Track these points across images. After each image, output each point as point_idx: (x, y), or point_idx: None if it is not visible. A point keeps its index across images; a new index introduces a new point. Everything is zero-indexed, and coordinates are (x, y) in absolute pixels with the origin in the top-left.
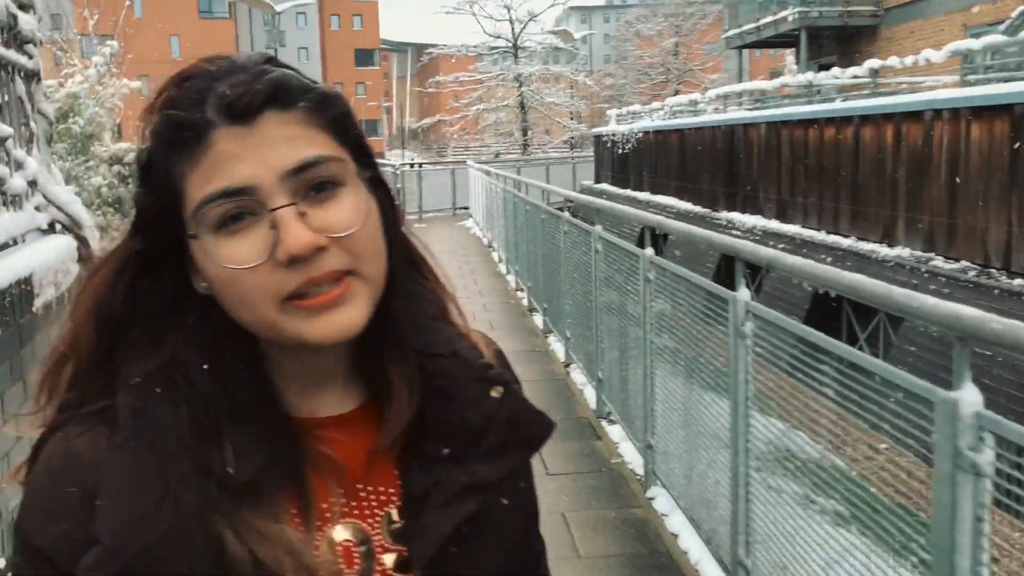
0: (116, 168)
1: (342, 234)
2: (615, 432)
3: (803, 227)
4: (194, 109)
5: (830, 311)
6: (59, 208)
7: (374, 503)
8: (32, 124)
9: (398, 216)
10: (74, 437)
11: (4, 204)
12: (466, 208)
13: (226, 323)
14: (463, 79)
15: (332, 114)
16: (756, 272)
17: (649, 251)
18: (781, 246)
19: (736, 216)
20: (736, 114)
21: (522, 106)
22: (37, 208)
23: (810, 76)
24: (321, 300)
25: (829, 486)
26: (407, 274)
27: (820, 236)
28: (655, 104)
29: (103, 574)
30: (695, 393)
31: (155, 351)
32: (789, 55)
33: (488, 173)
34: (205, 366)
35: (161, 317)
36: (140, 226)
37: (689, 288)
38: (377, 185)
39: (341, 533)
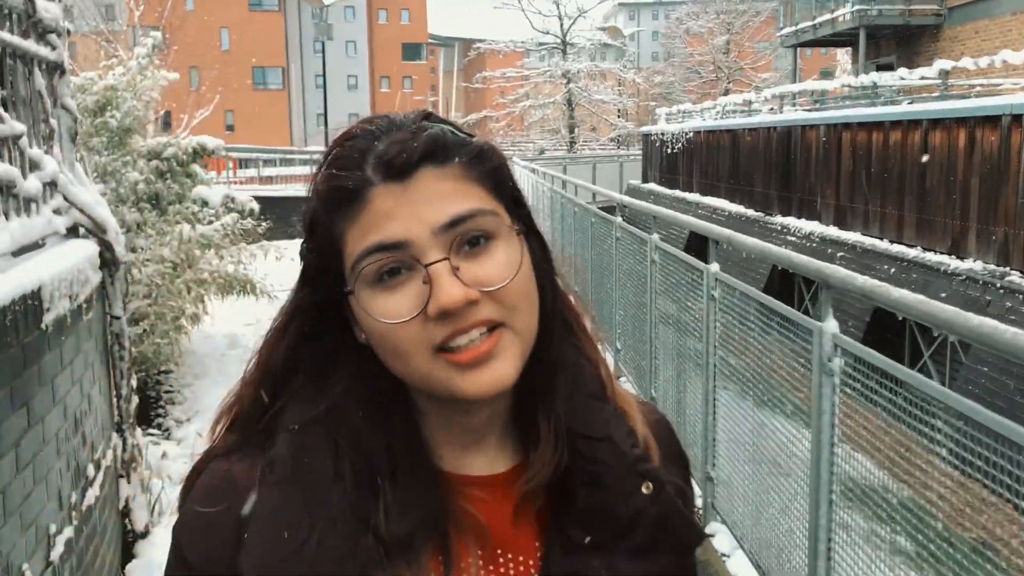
0: (154, 163)
1: (494, 287)
2: None
3: (864, 235)
4: (354, 169)
5: (893, 326)
6: (81, 210)
7: (511, 572)
8: (52, 121)
9: (553, 267)
10: (235, 463)
11: (17, 209)
12: None
13: (384, 376)
14: (510, 75)
15: (487, 168)
16: (811, 284)
17: (715, 267)
18: (840, 254)
19: (791, 221)
20: (793, 115)
21: (569, 103)
22: (57, 211)
23: (875, 77)
24: (472, 354)
25: (936, 558)
26: (561, 331)
27: (883, 245)
28: (706, 103)
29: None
30: (767, 426)
31: (315, 400)
32: (842, 54)
33: (534, 171)
34: (363, 416)
35: (323, 368)
36: (304, 281)
37: (761, 311)
38: (531, 236)
39: None
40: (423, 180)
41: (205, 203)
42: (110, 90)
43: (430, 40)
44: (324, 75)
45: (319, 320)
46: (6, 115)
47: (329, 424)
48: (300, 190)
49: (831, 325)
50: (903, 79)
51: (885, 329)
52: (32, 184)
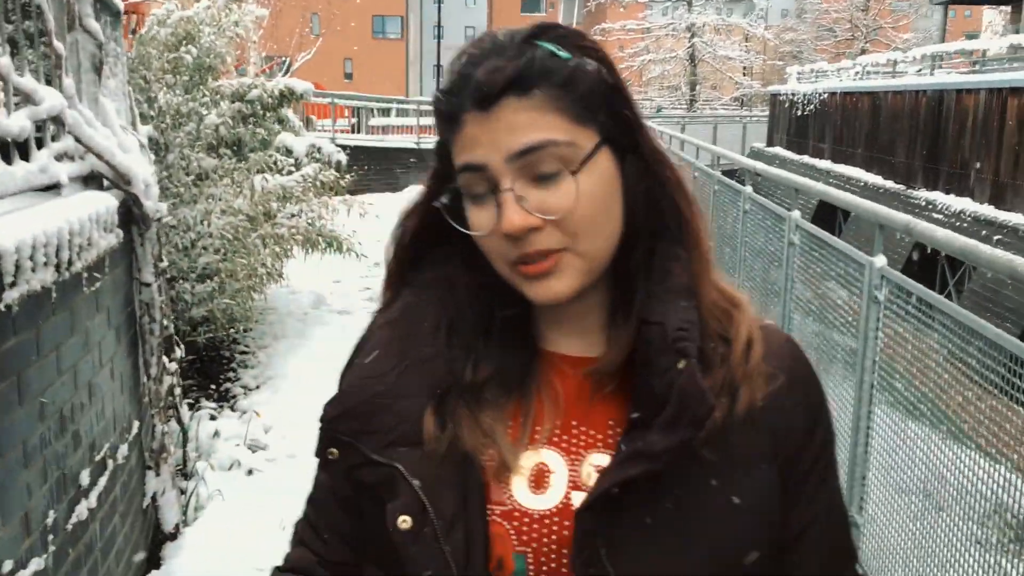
0: (237, 105)
1: (555, 216)
2: None
3: None
4: (455, 93)
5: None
6: (100, 156)
7: (580, 443)
8: (58, 44)
9: (664, 181)
10: (374, 316)
11: None
12: None
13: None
14: (631, 27)
15: (577, 93)
16: (956, 265)
17: (881, 260)
18: (998, 238)
19: (938, 197)
20: (947, 78)
21: (692, 59)
22: (62, 157)
23: None
24: (533, 269)
25: None
26: (652, 238)
27: None
28: (844, 63)
29: (332, 412)
30: (947, 461)
31: (433, 269)
32: (993, 15)
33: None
34: (471, 286)
35: (442, 244)
36: (432, 174)
37: (952, 327)
38: (630, 155)
39: (543, 456)
40: (504, 110)
41: (289, 151)
42: (187, 22)
43: None
44: (439, 24)
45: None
46: None
47: (441, 288)
48: (407, 141)
49: None
50: None
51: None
52: (16, 122)
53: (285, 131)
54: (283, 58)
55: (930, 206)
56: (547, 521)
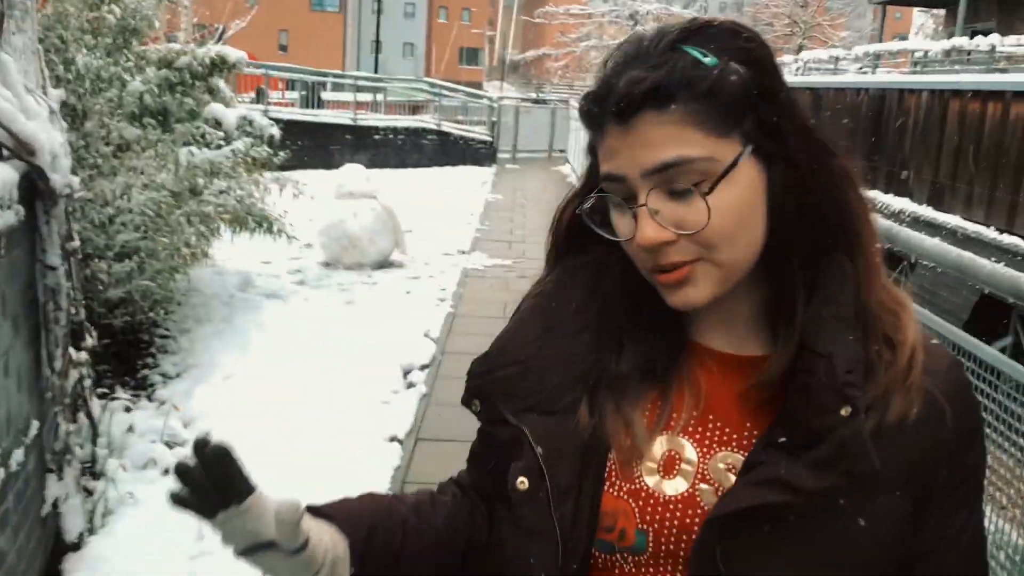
0: (164, 73)
1: (690, 232)
2: None
3: (965, 219)
4: (599, 101)
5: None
6: None
7: (715, 437)
8: None
9: (822, 186)
10: (531, 288)
11: None
12: (563, 151)
13: None
14: (574, 12)
15: (720, 103)
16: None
17: None
18: (937, 239)
19: (878, 195)
20: (890, 77)
21: None
22: None
23: (995, 40)
24: (668, 278)
25: None
26: (819, 246)
27: (990, 233)
28: (786, 58)
29: (478, 369)
30: None
31: (586, 254)
32: (925, 19)
33: None
34: (621, 272)
35: (592, 233)
36: (587, 167)
37: None
38: (776, 162)
39: (676, 444)
40: (642, 124)
41: (218, 123)
42: None
43: None
44: (379, 0)
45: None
46: None
47: (591, 272)
48: (344, 117)
49: None
50: None
51: (987, 319)
52: None
53: (216, 102)
54: (217, 26)
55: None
56: (671, 506)
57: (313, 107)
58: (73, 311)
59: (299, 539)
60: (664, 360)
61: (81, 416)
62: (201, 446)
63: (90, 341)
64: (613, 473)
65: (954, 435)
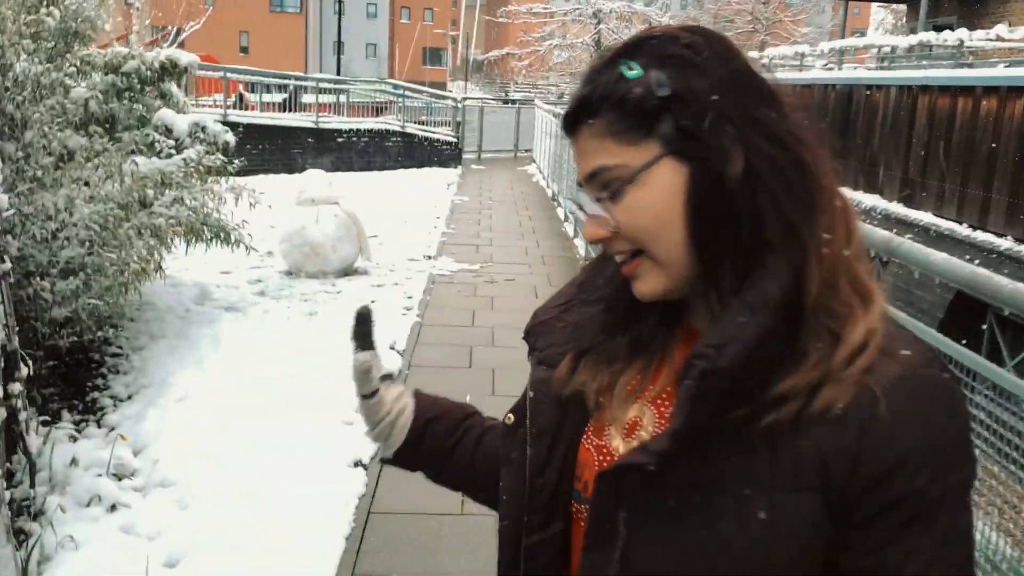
0: (111, 78)
1: (615, 229)
2: None
3: (937, 216)
4: (564, 119)
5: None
6: None
7: (671, 406)
8: None
9: (778, 178)
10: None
11: None
12: (529, 151)
13: None
14: (537, 11)
15: (628, 112)
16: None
17: None
18: (908, 236)
19: (847, 193)
20: (857, 73)
21: (598, 45)
22: None
23: (963, 34)
24: (624, 270)
25: None
26: (757, 245)
27: (962, 231)
28: (750, 55)
29: (527, 325)
30: None
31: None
32: (884, 14)
33: (557, 116)
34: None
35: None
36: None
37: None
38: (697, 163)
39: (642, 411)
40: (581, 137)
41: (169, 130)
42: None
43: None
44: (340, 1)
45: None
46: None
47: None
48: (306, 120)
49: None
50: (1000, 39)
51: (962, 320)
52: None
53: (168, 107)
54: (172, 28)
55: None
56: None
57: (296, 110)
58: (5, 340)
59: (369, 388)
60: (658, 337)
61: (18, 452)
62: (361, 312)
63: (25, 371)
64: (591, 430)
65: (885, 443)
